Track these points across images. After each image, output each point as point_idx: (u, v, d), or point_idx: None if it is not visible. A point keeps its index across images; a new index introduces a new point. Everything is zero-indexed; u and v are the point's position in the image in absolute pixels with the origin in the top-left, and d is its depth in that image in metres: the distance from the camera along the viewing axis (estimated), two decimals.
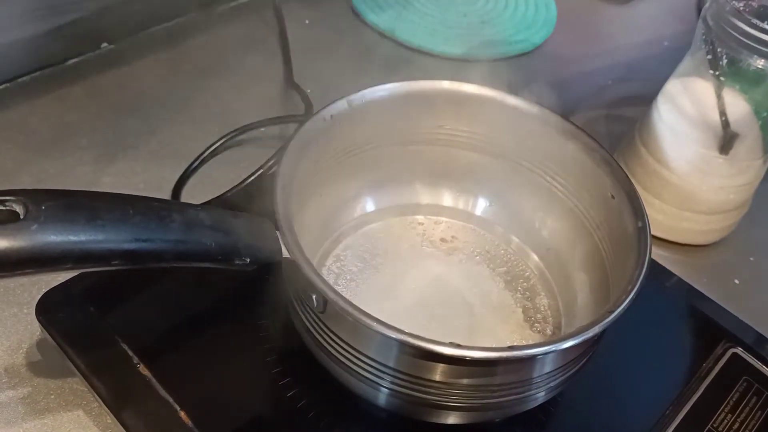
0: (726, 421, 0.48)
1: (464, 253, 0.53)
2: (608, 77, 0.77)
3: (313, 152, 0.46)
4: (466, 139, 0.52)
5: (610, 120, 0.71)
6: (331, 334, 0.39)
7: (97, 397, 0.44)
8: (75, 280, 0.48)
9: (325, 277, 0.49)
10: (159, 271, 0.47)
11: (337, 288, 0.48)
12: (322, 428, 0.44)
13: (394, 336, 0.35)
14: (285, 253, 0.38)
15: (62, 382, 0.47)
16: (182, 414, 0.43)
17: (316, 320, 0.40)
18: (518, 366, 0.38)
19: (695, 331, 0.53)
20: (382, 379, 0.39)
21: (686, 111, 0.59)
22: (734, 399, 0.49)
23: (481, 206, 0.55)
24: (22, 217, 0.31)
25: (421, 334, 0.45)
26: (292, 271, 0.40)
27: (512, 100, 0.50)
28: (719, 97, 0.56)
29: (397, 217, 0.54)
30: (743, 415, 0.48)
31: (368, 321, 0.35)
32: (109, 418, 0.44)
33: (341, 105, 0.48)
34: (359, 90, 0.48)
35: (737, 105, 0.57)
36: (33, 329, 0.48)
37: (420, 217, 0.55)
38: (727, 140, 0.57)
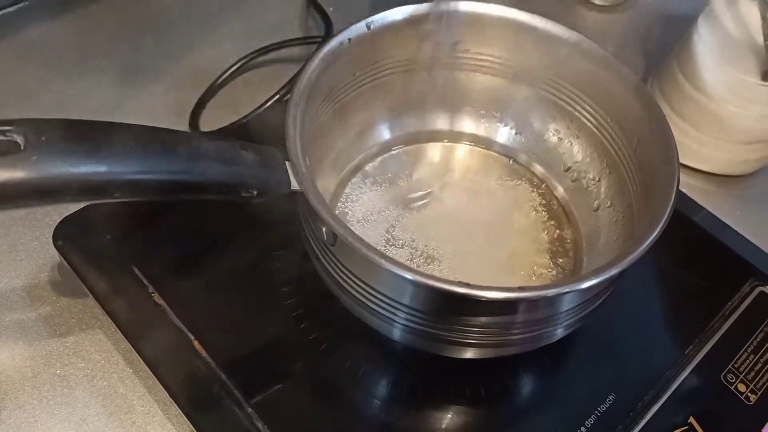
0: (748, 362, 0.46)
1: (485, 181, 0.52)
2: None
3: (329, 78, 0.44)
4: (489, 64, 0.50)
5: (645, 42, 0.67)
6: (342, 267, 0.39)
7: (113, 323, 0.44)
8: (92, 207, 0.48)
9: (343, 207, 0.48)
10: (175, 201, 0.47)
11: (356, 217, 0.48)
12: (334, 359, 0.44)
13: (400, 273, 0.34)
14: (294, 185, 0.37)
15: (83, 305, 0.48)
16: (196, 343, 0.44)
17: (328, 252, 0.39)
18: (531, 305, 0.37)
19: (722, 267, 0.51)
20: (394, 314, 0.38)
21: (728, 33, 0.56)
22: (758, 339, 0.47)
23: (503, 133, 0.53)
24: (22, 147, 0.30)
25: (440, 263, 0.44)
26: (303, 202, 0.39)
27: (539, 23, 0.48)
28: (765, 19, 0.53)
29: (416, 144, 0.52)
30: (767, 356, 0.47)
31: (374, 256, 0.34)
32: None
33: (360, 28, 0.46)
34: (379, 11, 0.46)
35: None
36: (54, 253, 0.48)
37: (440, 144, 0.53)
38: None
